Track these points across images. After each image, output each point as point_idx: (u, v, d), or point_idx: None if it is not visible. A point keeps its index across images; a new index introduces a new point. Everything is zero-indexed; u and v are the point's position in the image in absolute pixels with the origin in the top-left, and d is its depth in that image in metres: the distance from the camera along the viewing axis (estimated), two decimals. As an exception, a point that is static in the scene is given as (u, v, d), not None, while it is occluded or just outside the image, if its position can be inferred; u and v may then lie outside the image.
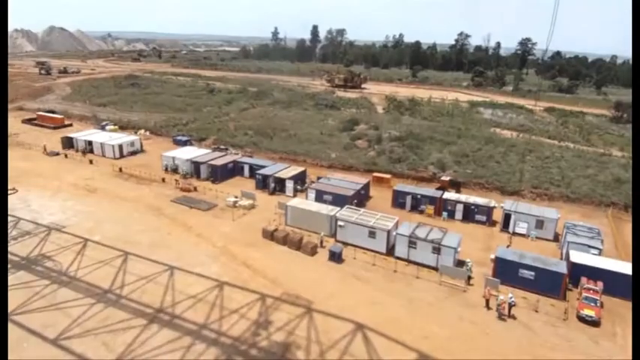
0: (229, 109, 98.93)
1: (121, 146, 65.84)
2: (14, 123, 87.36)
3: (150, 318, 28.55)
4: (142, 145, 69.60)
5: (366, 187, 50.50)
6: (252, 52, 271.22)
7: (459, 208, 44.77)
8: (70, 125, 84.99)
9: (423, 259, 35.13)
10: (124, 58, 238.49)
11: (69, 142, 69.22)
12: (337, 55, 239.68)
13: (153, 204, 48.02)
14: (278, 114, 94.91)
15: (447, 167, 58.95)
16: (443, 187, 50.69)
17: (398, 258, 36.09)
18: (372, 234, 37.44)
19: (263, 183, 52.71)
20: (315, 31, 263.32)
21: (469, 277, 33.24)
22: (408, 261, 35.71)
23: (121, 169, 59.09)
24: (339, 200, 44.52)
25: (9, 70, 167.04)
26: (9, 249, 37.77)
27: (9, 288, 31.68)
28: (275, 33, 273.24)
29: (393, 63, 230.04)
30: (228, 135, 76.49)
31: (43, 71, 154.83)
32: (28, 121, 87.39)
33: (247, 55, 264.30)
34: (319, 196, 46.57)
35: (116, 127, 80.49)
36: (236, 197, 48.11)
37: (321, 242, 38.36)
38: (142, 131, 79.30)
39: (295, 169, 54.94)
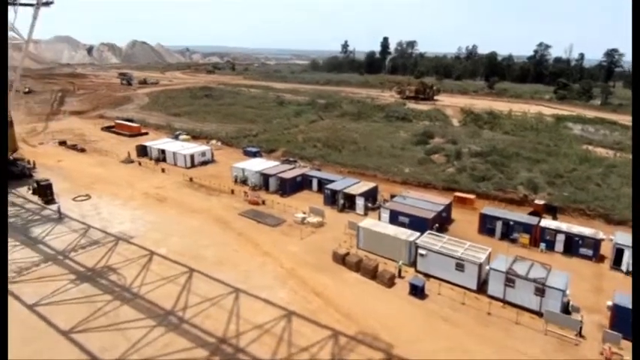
0: (298, 121, 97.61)
1: (192, 156, 65.80)
2: (94, 130, 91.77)
3: (212, 349, 25.94)
4: (213, 155, 69.34)
5: (448, 208, 45.59)
6: (321, 65, 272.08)
7: (560, 238, 38.63)
8: (146, 134, 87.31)
9: (522, 301, 29.86)
10: (199, 71, 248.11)
11: (143, 151, 70.45)
12: (407, 67, 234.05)
13: (221, 216, 46.40)
14: (347, 126, 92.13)
15: (539, 189, 52.43)
16: (537, 213, 44.59)
17: (491, 297, 31.03)
18: (460, 266, 32.70)
19: (332, 198, 49.57)
20: (385, 43, 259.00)
21: (581, 328, 27.59)
22: (504, 302, 30.56)
23: (191, 179, 58.63)
24: (417, 223, 40.13)
25: (94, 80, 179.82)
26: (78, 258, 37.50)
27: (72, 301, 30.99)
28: (345, 45, 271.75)
29: (467, 74, 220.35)
30: (297, 147, 74.59)
31: (124, 82, 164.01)
32: (107, 129, 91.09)
33: (316, 68, 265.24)
34: (394, 217, 42.42)
35: (189, 136, 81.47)
36: (304, 213, 45.31)
37: (400, 272, 34.19)
38: (214, 141, 79.49)
39: (366, 185, 51.29)
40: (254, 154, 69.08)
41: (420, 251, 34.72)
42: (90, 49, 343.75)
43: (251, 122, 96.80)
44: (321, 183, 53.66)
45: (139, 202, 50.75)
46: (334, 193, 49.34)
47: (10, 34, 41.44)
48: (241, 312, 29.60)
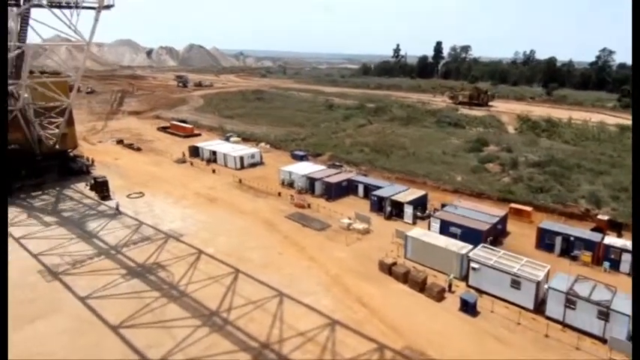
0: (346, 125, 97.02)
1: (242, 158, 66.72)
2: (150, 130, 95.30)
3: (255, 354, 25.66)
4: (261, 158, 70.02)
5: (503, 220, 43.26)
6: (372, 69, 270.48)
7: (626, 258, 35.53)
8: (199, 135, 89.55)
9: (584, 325, 27.56)
10: (252, 74, 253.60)
11: (195, 151, 72.21)
12: (461, 72, 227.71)
13: (268, 218, 46.50)
14: (396, 131, 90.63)
15: (603, 203, 48.85)
16: (600, 229, 41.41)
17: (549, 319, 28.85)
18: (515, 283, 30.71)
19: (378, 205, 48.41)
20: (438, 47, 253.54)
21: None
22: (564, 324, 28.32)
23: (240, 181, 59.36)
24: (470, 235, 38.26)
25: (152, 82, 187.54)
26: (129, 253, 38.62)
27: (122, 296, 31.80)
28: (397, 50, 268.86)
29: (523, 80, 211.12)
30: (344, 151, 73.95)
31: (180, 84, 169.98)
32: (163, 129, 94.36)
33: (367, 72, 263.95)
34: (445, 228, 40.71)
35: (239, 138, 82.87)
36: (350, 219, 44.51)
37: (450, 286, 32.62)
38: (263, 144, 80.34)
39: (415, 193, 49.74)
40: (301, 158, 69.18)
41: (473, 265, 32.97)
42: (149, 52, 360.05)
43: (300, 126, 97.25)
44: (368, 189, 52.63)
45: (190, 202, 51.85)
46: (381, 199, 48.21)
47: (73, 35, 43.48)
48: (285, 317, 29.22)
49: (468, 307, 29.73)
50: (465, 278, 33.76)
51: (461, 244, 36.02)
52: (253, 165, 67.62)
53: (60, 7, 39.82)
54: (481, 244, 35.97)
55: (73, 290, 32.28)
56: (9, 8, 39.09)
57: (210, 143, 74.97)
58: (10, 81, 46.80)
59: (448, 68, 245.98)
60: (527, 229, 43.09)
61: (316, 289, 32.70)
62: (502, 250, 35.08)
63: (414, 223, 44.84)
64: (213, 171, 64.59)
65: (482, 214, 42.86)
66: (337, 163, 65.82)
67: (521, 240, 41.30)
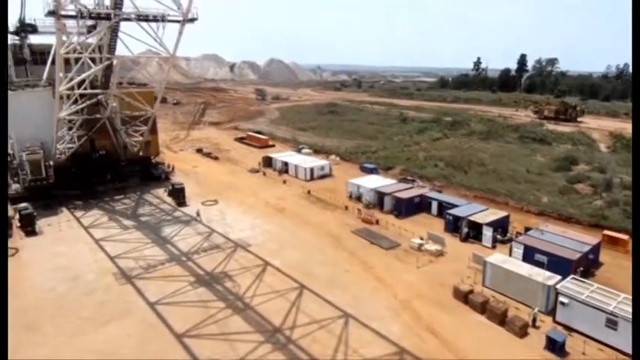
0: (420, 139, 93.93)
1: (312, 169, 66.57)
2: (228, 140, 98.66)
3: (316, 378, 24.40)
4: (331, 170, 69.43)
5: (596, 249, 38.47)
6: (450, 82, 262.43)
7: None
8: (273, 146, 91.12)
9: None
10: (327, 88, 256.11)
11: (268, 162, 73.31)
12: (546, 86, 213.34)
13: (334, 232, 45.37)
14: (474, 145, 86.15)
15: None
16: None
17: (657, 369, 24.66)
18: (612, 323, 26.71)
19: (454, 225, 45.27)
20: (522, 60, 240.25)
21: None
22: (675, 378, 24.01)
23: (309, 192, 58.99)
24: (557, 264, 34.24)
25: (233, 94, 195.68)
26: (199, 260, 39.19)
27: (189, 304, 32.01)
28: (477, 63, 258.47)
29: (617, 95, 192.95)
30: (417, 165, 71.19)
31: (259, 97, 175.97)
32: (239, 140, 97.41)
33: (445, 85, 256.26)
34: (529, 254, 36.87)
35: (311, 150, 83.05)
36: (422, 239, 41.98)
37: (534, 321, 29.17)
38: (333, 156, 79.85)
39: (495, 213, 46.02)
40: (371, 171, 67.49)
41: (562, 299, 29.28)
42: (232, 67, 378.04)
43: (371, 138, 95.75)
44: (442, 207, 49.64)
45: (260, 211, 52.18)
46: (457, 219, 45.07)
47: (158, 48, 45.63)
48: (350, 341, 27.65)
49: (556, 347, 26.21)
50: (551, 313, 30.09)
51: (547, 273, 32.24)
52: (323, 177, 67.17)
53: (147, 20, 42.00)
54: (570, 276, 32.01)
55: (144, 295, 33.09)
56: (101, 22, 41.99)
57: (282, 154, 75.82)
58: (99, 90, 50.26)
59: (532, 82, 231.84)
60: (623, 260, 37.98)
61: (384, 313, 30.77)
62: (595, 284, 30.89)
63: (494, 247, 41.33)
64: (284, 181, 64.96)
65: (572, 240, 38.44)
66: (409, 178, 63.29)
67: (616, 272, 36.29)
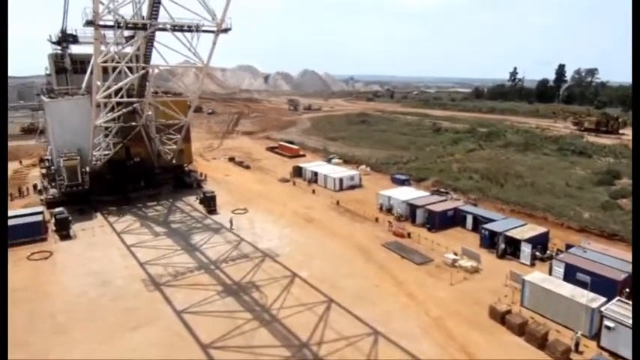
0: (454, 150, 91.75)
1: (341, 180, 65.80)
2: (260, 149, 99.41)
3: (342, 398, 23.40)
4: (360, 180, 68.49)
5: (644, 270, 35.90)
6: (485, 93, 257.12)
7: None
8: (304, 156, 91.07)
9: None
10: (359, 98, 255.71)
11: (298, 171, 73.06)
12: (586, 97, 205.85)
13: (363, 245, 44.30)
14: (511, 157, 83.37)
15: None
16: None
17: None
18: (665, 352, 24.58)
19: (490, 241, 43.33)
20: (560, 70, 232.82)
21: None
22: None
23: (338, 203, 58.20)
24: (602, 285, 32.00)
25: (267, 105, 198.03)
26: (227, 269, 38.93)
27: (215, 314, 31.63)
28: (513, 73, 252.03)
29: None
30: (451, 177, 69.26)
31: (291, 107, 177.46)
32: (271, 149, 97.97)
33: (480, 96, 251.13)
34: (570, 274, 34.70)
35: (341, 160, 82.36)
36: (456, 255, 40.37)
37: (577, 345, 27.22)
38: (363, 166, 78.88)
39: (533, 229, 43.86)
40: (402, 182, 66.16)
41: (607, 323, 27.24)
42: (266, 77, 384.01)
43: (403, 149, 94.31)
44: (478, 221, 47.75)
45: (289, 221, 51.75)
46: (493, 234, 43.16)
47: (192, 57, 46.22)
48: None
49: (602, 377, 24.33)
50: (595, 337, 28.06)
51: (591, 295, 30.13)
52: (352, 187, 66.25)
53: (182, 30, 42.63)
54: (616, 298, 29.83)
55: (171, 303, 32.99)
56: (138, 32, 42.92)
57: (312, 164, 75.46)
58: (134, 99, 51.30)
59: (571, 92, 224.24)
60: (678, 284, 35.16)
61: (415, 331, 29.46)
62: (646, 308, 28.61)
63: (532, 265, 39.26)
64: (313, 191, 64.44)
65: (617, 259, 35.97)
66: (442, 190, 61.56)
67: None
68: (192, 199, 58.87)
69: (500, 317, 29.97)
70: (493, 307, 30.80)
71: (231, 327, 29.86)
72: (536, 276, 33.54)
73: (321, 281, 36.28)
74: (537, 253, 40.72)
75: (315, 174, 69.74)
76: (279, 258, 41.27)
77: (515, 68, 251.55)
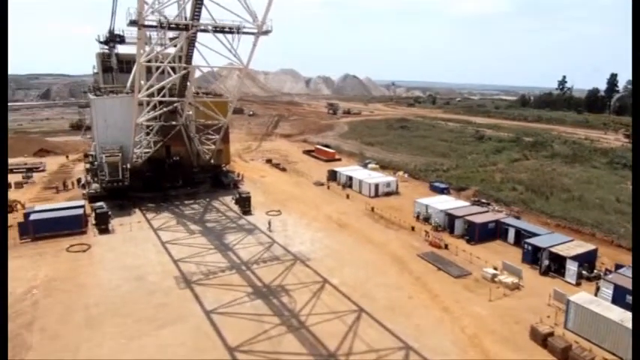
0: (497, 159, 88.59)
1: (377, 185, 64.52)
2: (297, 152, 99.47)
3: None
4: (397, 187, 66.93)
5: None
6: (531, 101, 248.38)
7: None
8: (339, 160, 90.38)
9: None
10: (400, 104, 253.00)
11: (333, 175, 72.29)
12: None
13: (398, 254, 42.98)
14: (557, 169, 79.62)
15: None
16: None
17: None
18: None
19: (533, 256, 41.04)
20: (612, 80, 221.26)
21: None
22: None
23: (373, 209, 57.01)
24: (657, 310, 29.54)
25: (306, 108, 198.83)
26: (258, 271, 38.66)
27: (244, 316, 31.36)
28: (562, 82, 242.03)
29: None
30: (493, 187, 66.63)
31: (330, 111, 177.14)
32: (307, 152, 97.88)
33: (526, 104, 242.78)
34: (620, 296, 32.19)
35: (377, 166, 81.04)
36: (496, 269, 38.42)
37: (628, 376, 25.15)
38: (401, 173, 77.26)
39: (581, 246, 41.24)
40: (442, 191, 64.18)
41: (663, 354, 24.91)
42: (308, 81, 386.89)
43: (443, 156, 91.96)
44: (520, 234, 45.45)
45: (321, 225, 51.13)
46: (537, 250, 40.84)
47: (232, 59, 46.52)
48: (408, 377, 25.38)
49: (657, 414, 22.11)
50: (650, 369, 25.71)
51: (645, 321, 27.82)
52: (388, 194, 64.79)
53: (223, 32, 43.01)
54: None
55: (201, 302, 32.99)
56: (178, 32, 43.63)
57: (347, 168, 74.62)
58: (175, 98, 52.19)
59: (623, 103, 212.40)
60: None
61: (449, 348, 28.04)
62: None
63: (578, 285, 36.82)
64: (347, 196, 63.52)
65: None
66: (484, 201, 59.21)
67: None
68: (228, 199, 59.26)
69: (542, 339, 28.06)
70: (534, 328, 28.91)
71: (258, 331, 29.49)
72: (583, 297, 31.30)
73: (353, 289, 35.38)
74: (584, 272, 38.20)
75: (350, 178, 68.78)
76: (310, 262, 40.67)
77: (564, 77, 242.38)
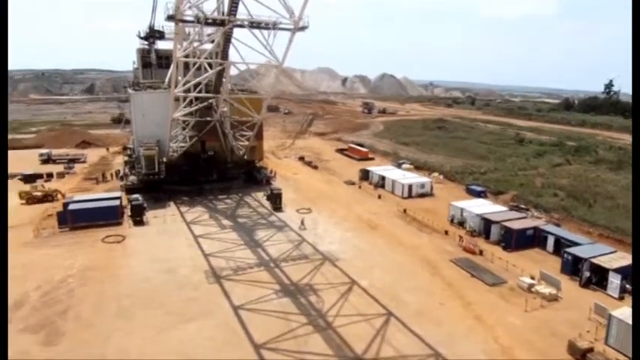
0: (538, 163, 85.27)
1: (410, 186, 63.26)
2: (330, 150, 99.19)
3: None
4: (432, 189, 65.43)
5: None
6: (575, 105, 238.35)
7: None
8: (373, 159, 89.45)
9: None
10: (438, 104, 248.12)
11: (365, 175, 71.48)
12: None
13: (430, 258, 41.87)
14: (602, 176, 75.74)
15: None
16: None
17: None
18: None
19: (573, 267, 39.02)
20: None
21: None
22: None
23: (405, 210, 55.89)
24: None
25: (342, 107, 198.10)
26: (286, 269, 38.55)
27: (271, 313, 31.26)
28: (608, 85, 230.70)
29: None
30: (533, 193, 64.09)
31: (365, 110, 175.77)
32: (340, 151, 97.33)
33: (569, 107, 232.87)
34: (669, 313, 30.22)
35: (411, 166, 79.58)
36: (533, 279, 36.77)
37: (676, 401, 23.36)
38: (436, 174, 75.52)
39: (624, 258, 38.76)
40: (478, 194, 62.19)
41: None
42: (344, 80, 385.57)
43: (481, 158, 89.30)
44: (560, 243, 43.33)
45: (351, 225, 50.56)
46: (577, 260, 38.80)
47: (268, 56, 46.57)
48: (436, 386, 24.54)
49: None
50: (700, 395, 23.84)
51: (697, 343, 25.85)
52: (422, 195, 63.38)
53: (259, 27, 43.11)
54: None
55: (230, 297, 33.13)
56: (215, 28, 43.94)
57: (380, 168, 73.62)
58: (211, 94, 52.76)
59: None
60: None
61: (480, 357, 26.96)
62: None
63: (621, 299, 34.72)
64: (379, 196, 62.60)
65: None
66: (522, 206, 57.00)
67: None
68: (260, 195, 59.60)
69: (581, 355, 26.54)
70: (572, 343, 27.38)
71: (285, 329, 29.29)
72: (626, 312, 29.36)
73: (382, 292, 34.66)
74: (627, 286, 35.90)
75: (383, 178, 67.78)
76: (339, 262, 40.20)
77: (610, 80, 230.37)
